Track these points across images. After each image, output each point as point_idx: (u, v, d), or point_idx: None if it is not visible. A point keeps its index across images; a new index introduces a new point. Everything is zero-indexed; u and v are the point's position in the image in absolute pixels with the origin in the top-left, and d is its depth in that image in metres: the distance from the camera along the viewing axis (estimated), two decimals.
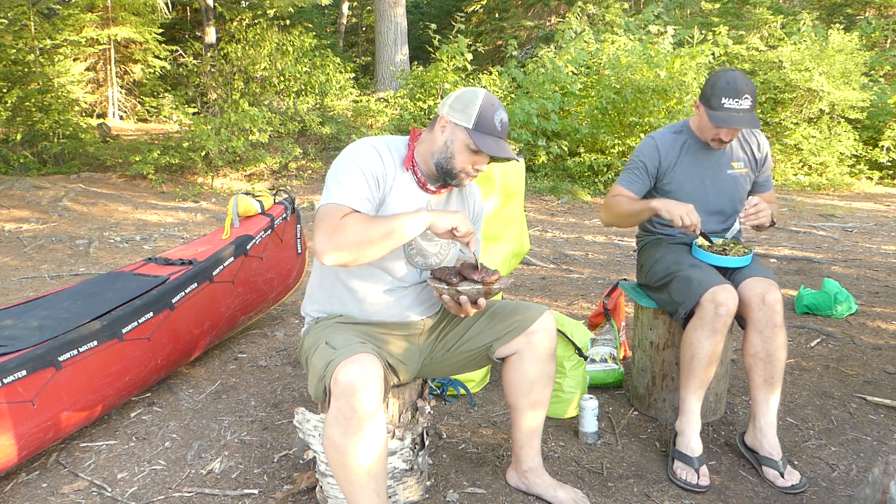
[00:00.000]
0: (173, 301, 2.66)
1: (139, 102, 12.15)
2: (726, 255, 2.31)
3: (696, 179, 2.44)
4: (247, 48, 10.80)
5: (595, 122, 8.92)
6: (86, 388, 2.26)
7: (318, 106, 10.03)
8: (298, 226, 3.53)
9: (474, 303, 1.79)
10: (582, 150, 8.97)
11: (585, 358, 2.64)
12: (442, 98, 9.20)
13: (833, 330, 3.53)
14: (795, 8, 13.09)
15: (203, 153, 7.99)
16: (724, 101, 2.25)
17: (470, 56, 9.47)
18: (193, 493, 2.09)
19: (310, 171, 8.86)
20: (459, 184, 1.87)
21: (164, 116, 11.58)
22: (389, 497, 1.93)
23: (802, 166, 10.08)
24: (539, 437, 2.05)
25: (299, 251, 3.54)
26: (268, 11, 11.35)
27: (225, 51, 10.72)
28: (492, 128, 1.79)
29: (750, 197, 2.34)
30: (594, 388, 2.80)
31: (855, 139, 10.06)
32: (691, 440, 2.19)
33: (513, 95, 9.55)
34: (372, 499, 1.66)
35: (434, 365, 2.00)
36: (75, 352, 2.22)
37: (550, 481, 2.03)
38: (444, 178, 1.84)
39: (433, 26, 10.07)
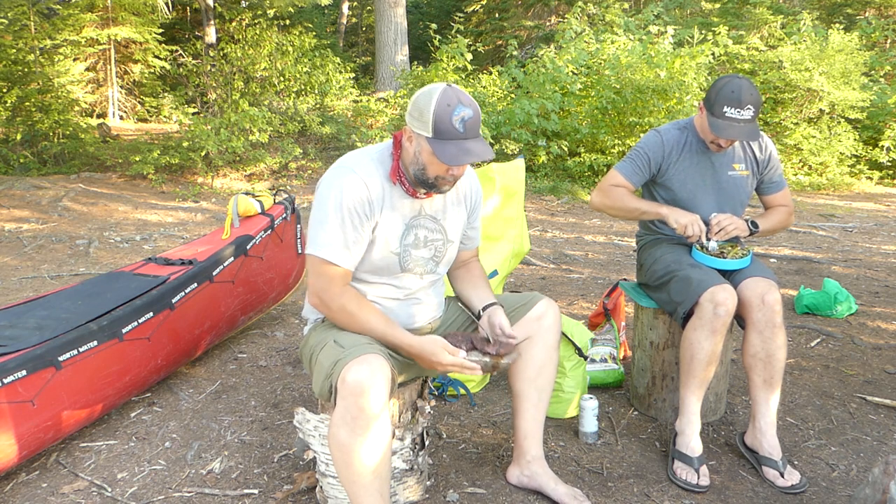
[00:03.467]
0: (173, 301, 2.66)
1: (139, 102, 12.14)
2: (724, 257, 2.31)
3: (697, 179, 2.44)
4: (247, 48, 10.79)
5: (595, 122, 8.92)
6: (86, 388, 2.26)
7: (318, 106, 10.03)
8: (298, 226, 3.53)
9: None
10: (582, 150, 8.97)
11: (585, 358, 2.64)
12: None
13: (833, 330, 3.53)
14: (795, 8, 13.08)
15: (203, 153, 7.99)
16: (726, 109, 2.24)
17: (470, 56, 9.46)
18: (193, 493, 2.09)
19: (310, 171, 8.86)
20: (441, 191, 1.81)
21: (164, 116, 11.58)
22: (390, 497, 1.93)
23: (802, 166, 10.08)
24: (542, 426, 2.06)
25: (299, 251, 3.54)
26: (268, 11, 11.35)
27: (225, 51, 10.72)
28: (451, 132, 1.66)
29: (712, 215, 2.35)
30: (594, 388, 2.80)
31: (855, 139, 10.05)
32: (691, 440, 2.19)
33: (513, 95, 9.55)
34: (375, 499, 1.66)
35: None
36: (75, 352, 2.22)
37: (552, 475, 2.04)
38: (425, 187, 1.78)
39: (433, 26, 10.07)
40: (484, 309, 1.95)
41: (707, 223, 2.35)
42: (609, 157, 8.63)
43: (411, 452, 1.96)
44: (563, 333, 2.59)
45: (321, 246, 1.72)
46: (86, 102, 10.53)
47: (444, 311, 2.05)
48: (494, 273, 2.80)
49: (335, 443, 1.63)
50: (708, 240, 2.34)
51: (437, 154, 1.65)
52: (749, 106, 2.23)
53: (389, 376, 1.63)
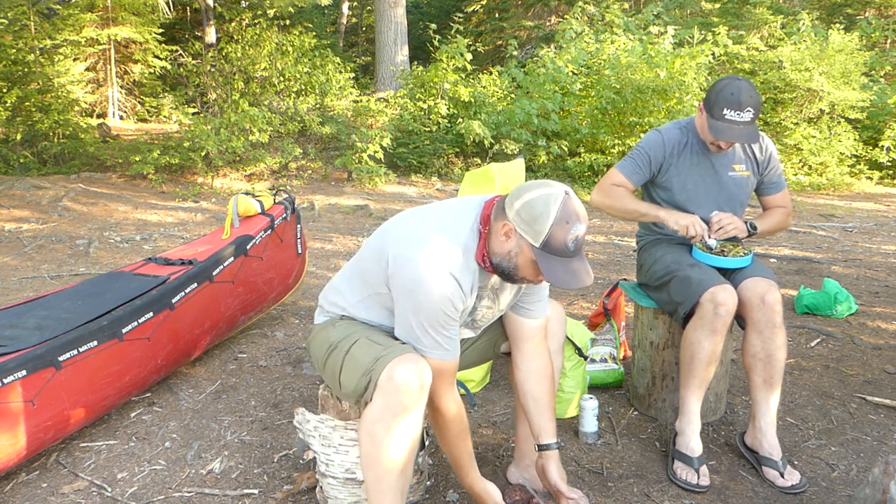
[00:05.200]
0: (173, 301, 2.66)
1: (139, 102, 12.14)
2: (725, 256, 2.31)
3: (697, 179, 2.44)
4: (247, 48, 10.79)
5: (595, 122, 8.92)
6: (86, 388, 2.26)
7: (318, 106, 10.03)
8: (298, 226, 3.53)
9: None
10: (582, 150, 8.97)
11: (585, 358, 2.64)
12: (443, 99, 9.21)
13: (833, 330, 3.53)
14: (795, 8, 13.08)
15: (203, 153, 7.99)
16: (725, 111, 2.23)
17: (469, 56, 9.47)
18: (193, 493, 2.09)
19: (310, 171, 8.86)
20: (518, 284, 1.76)
21: (164, 116, 11.58)
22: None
23: (802, 166, 10.07)
24: None
25: (299, 251, 3.54)
26: (268, 11, 11.34)
27: (225, 51, 10.71)
28: (563, 249, 1.57)
29: (713, 213, 2.35)
30: (594, 388, 2.80)
31: (855, 139, 10.05)
32: (691, 440, 2.19)
33: (513, 95, 9.55)
34: (396, 497, 1.66)
35: None
36: (75, 352, 2.22)
37: None
38: (503, 277, 1.70)
39: (433, 26, 10.07)
40: (540, 448, 1.91)
41: (707, 221, 2.35)
42: (609, 157, 8.63)
43: None
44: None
45: (428, 349, 1.66)
46: (86, 102, 10.53)
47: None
48: None
49: (368, 438, 1.63)
50: (708, 237, 2.34)
51: (543, 270, 1.57)
52: (749, 108, 2.22)
53: (430, 377, 1.64)
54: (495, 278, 1.76)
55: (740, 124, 2.23)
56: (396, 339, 1.74)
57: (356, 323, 1.83)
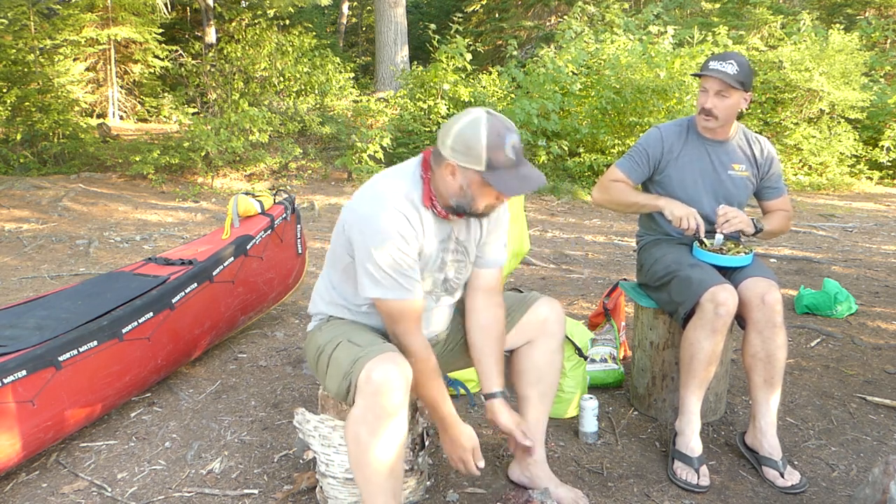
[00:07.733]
0: (173, 301, 2.66)
1: (139, 102, 12.13)
2: (725, 254, 2.31)
3: (696, 176, 2.44)
4: (247, 48, 10.79)
5: (595, 122, 8.91)
6: (86, 388, 2.26)
7: (318, 106, 10.03)
8: (298, 226, 3.53)
9: None
10: (582, 150, 8.96)
11: (585, 358, 2.64)
12: (442, 100, 9.21)
13: (833, 330, 3.53)
14: (795, 8, 13.08)
15: (203, 153, 7.99)
16: (710, 62, 2.34)
17: (469, 56, 9.47)
18: (193, 493, 2.09)
19: (310, 171, 8.86)
20: (484, 216, 1.79)
21: (164, 116, 11.58)
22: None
23: (802, 166, 10.07)
24: (545, 429, 2.06)
25: (299, 251, 3.54)
26: (267, 11, 11.35)
27: (225, 51, 10.71)
28: (506, 161, 1.62)
29: (719, 206, 2.35)
30: (594, 388, 2.80)
31: (855, 139, 10.05)
32: (691, 440, 2.19)
33: (513, 95, 9.55)
34: (388, 498, 1.66)
35: (441, 363, 2.00)
36: (75, 352, 2.22)
37: (552, 477, 2.04)
38: (468, 216, 1.74)
39: (433, 26, 10.07)
40: (486, 397, 1.90)
41: (707, 218, 2.35)
42: (609, 157, 8.63)
43: (411, 452, 1.96)
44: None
45: (388, 289, 1.67)
46: (86, 102, 10.52)
47: (450, 323, 2.02)
48: None
49: (353, 440, 1.63)
50: (714, 232, 2.33)
51: (497, 187, 1.62)
52: (731, 61, 2.31)
53: (411, 375, 1.63)
54: (457, 228, 1.79)
55: (723, 73, 2.30)
56: (379, 337, 1.74)
57: (341, 325, 1.84)
